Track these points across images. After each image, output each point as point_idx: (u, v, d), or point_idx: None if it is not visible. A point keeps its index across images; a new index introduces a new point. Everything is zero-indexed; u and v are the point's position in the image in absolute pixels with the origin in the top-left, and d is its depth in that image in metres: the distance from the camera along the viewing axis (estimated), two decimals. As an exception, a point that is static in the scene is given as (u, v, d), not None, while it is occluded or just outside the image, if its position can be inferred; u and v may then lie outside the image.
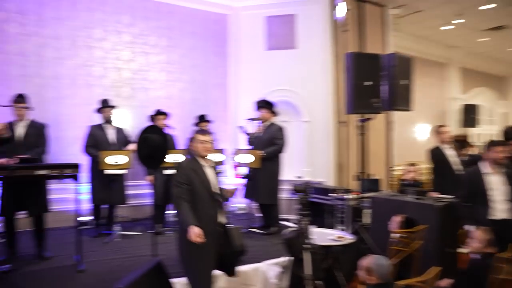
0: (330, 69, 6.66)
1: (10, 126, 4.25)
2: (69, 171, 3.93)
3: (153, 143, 4.00)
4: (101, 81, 6.07)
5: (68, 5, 5.84)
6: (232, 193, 3.64)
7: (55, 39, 5.75)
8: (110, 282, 3.46)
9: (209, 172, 3.26)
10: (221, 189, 3.38)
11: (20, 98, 4.32)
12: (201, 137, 3.24)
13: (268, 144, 5.31)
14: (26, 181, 4.04)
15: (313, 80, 6.66)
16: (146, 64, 6.39)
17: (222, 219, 3.26)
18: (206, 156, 3.27)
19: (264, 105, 5.51)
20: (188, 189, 3.10)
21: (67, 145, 5.75)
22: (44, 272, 3.80)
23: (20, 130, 4.30)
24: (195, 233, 2.92)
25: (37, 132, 4.43)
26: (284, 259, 3.78)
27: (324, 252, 3.67)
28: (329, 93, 6.65)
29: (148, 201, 5.79)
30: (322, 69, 6.67)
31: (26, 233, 4.43)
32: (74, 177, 3.94)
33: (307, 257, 3.28)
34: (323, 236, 3.89)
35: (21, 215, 4.23)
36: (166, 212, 5.65)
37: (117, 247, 4.63)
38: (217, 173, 3.46)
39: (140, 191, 5.99)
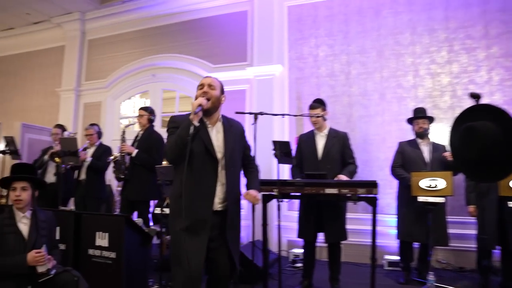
0: None
1: (308, 137, 3.87)
2: (363, 191, 3.10)
3: (485, 136, 2.07)
4: (413, 92, 5.07)
5: (372, 15, 5.32)
6: None
7: (361, 54, 5.31)
8: None
9: None
10: None
11: (315, 103, 3.80)
12: None
13: None
14: (323, 202, 3.51)
15: None
16: (470, 64, 4.88)
17: None
18: None
19: None
20: None
21: (377, 169, 5.05)
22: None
23: (320, 142, 3.78)
24: None
25: (340, 142, 3.74)
26: None
27: None
28: None
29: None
30: None
31: (322, 262, 3.90)
32: (372, 201, 3.07)
33: None
34: None
35: (319, 243, 3.73)
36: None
37: (430, 304, 3.33)
38: None
39: (468, 230, 4.41)
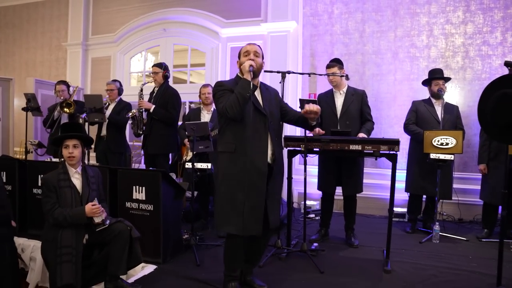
0: None
1: (327, 96, 3.99)
2: (385, 148, 3.29)
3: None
4: (426, 52, 5.15)
5: (388, -28, 5.29)
6: None
7: (376, 12, 5.34)
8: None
9: None
10: None
11: (331, 63, 3.92)
12: None
13: None
14: (342, 158, 3.73)
15: None
16: (486, 24, 4.93)
17: None
18: None
19: None
20: None
21: (387, 126, 5.27)
22: (349, 261, 3.35)
23: (339, 99, 3.93)
24: None
25: (359, 100, 3.89)
26: None
27: None
28: None
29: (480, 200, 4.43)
30: None
31: (338, 215, 4.19)
32: (392, 157, 3.27)
33: None
34: None
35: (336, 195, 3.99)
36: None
37: (433, 251, 3.62)
38: None
39: (470, 186, 4.76)
